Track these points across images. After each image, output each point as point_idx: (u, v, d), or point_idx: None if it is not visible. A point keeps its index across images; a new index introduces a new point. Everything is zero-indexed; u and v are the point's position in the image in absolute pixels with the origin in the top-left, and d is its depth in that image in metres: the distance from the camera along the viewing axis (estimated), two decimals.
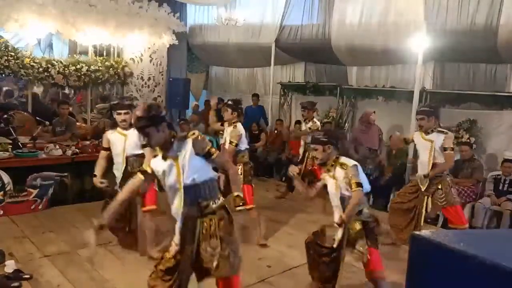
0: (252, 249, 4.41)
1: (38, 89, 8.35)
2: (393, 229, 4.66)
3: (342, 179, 3.10)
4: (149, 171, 2.57)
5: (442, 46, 5.98)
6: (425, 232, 1.27)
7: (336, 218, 3.12)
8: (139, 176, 2.60)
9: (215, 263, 2.48)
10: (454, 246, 1.15)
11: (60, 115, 6.38)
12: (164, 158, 2.49)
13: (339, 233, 3.14)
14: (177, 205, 2.50)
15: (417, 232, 1.27)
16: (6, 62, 6.51)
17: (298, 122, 7.89)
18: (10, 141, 5.38)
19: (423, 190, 4.40)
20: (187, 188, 2.47)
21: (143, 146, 3.21)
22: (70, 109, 7.28)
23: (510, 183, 5.39)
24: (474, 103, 6.23)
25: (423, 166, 4.35)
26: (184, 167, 2.45)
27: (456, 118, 6.27)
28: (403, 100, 6.85)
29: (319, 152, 3.16)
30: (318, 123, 6.05)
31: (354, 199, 3.00)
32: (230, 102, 4.57)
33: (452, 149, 4.27)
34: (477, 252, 1.10)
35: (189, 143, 2.47)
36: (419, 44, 5.88)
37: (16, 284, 3.33)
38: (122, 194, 2.63)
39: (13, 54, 6.60)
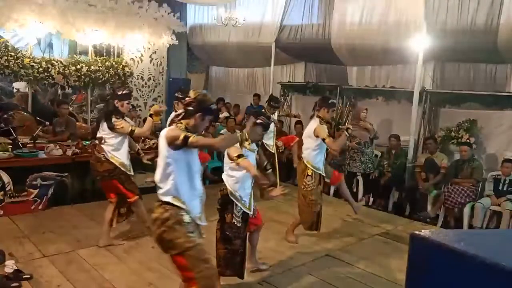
0: None
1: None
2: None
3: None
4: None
5: (442, 46, 5.99)
6: (425, 231, 1.27)
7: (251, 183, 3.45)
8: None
9: None
10: (454, 245, 1.16)
11: (60, 115, 6.38)
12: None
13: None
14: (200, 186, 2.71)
15: (417, 232, 1.27)
16: (6, 62, 6.51)
17: (299, 123, 7.89)
18: (10, 141, 5.38)
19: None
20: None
21: None
22: (70, 109, 7.28)
23: (510, 183, 5.38)
24: (474, 103, 6.22)
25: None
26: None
27: (456, 118, 6.27)
28: (403, 100, 6.85)
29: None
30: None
31: None
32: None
33: None
34: (477, 252, 1.10)
35: None
36: (419, 44, 5.88)
37: (16, 284, 3.33)
38: None
39: (13, 54, 6.61)
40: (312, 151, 4.31)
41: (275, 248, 4.43)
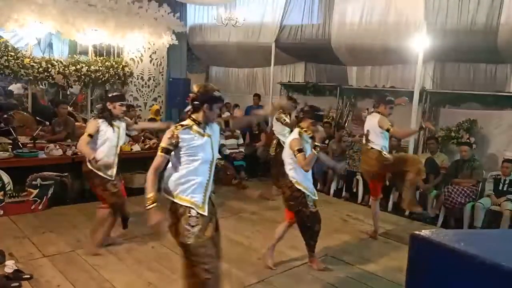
0: (252, 249, 4.42)
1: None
2: None
3: None
4: (172, 147, 2.54)
5: (442, 46, 5.99)
6: (425, 231, 1.27)
7: None
8: (163, 155, 2.56)
9: None
10: (454, 245, 1.16)
11: (58, 115, 6.38)
12: (202, 134, 2.61)
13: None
14: (207, 177, 2.64)
15: (417, 232, 1.27)
16: (6, 62, 6.51)
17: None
18: (10, 141, 5.38)
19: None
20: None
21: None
22: (70, 109, 7.28)
23: (510, 183, 5.38)
24: (474, 103, 6.23)
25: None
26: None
27: (456, 118, 6.27)
28: None
29: None
30: None
31: None
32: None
33: None
34: (477, 252, 1.10)
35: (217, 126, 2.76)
36: (419, 44, 5.88)
37: (16, 284, 3.33)
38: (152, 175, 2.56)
39: (13, 54, 6.61)
40: (381, 139, 4.79)
41: (276, 248, 4.43)
